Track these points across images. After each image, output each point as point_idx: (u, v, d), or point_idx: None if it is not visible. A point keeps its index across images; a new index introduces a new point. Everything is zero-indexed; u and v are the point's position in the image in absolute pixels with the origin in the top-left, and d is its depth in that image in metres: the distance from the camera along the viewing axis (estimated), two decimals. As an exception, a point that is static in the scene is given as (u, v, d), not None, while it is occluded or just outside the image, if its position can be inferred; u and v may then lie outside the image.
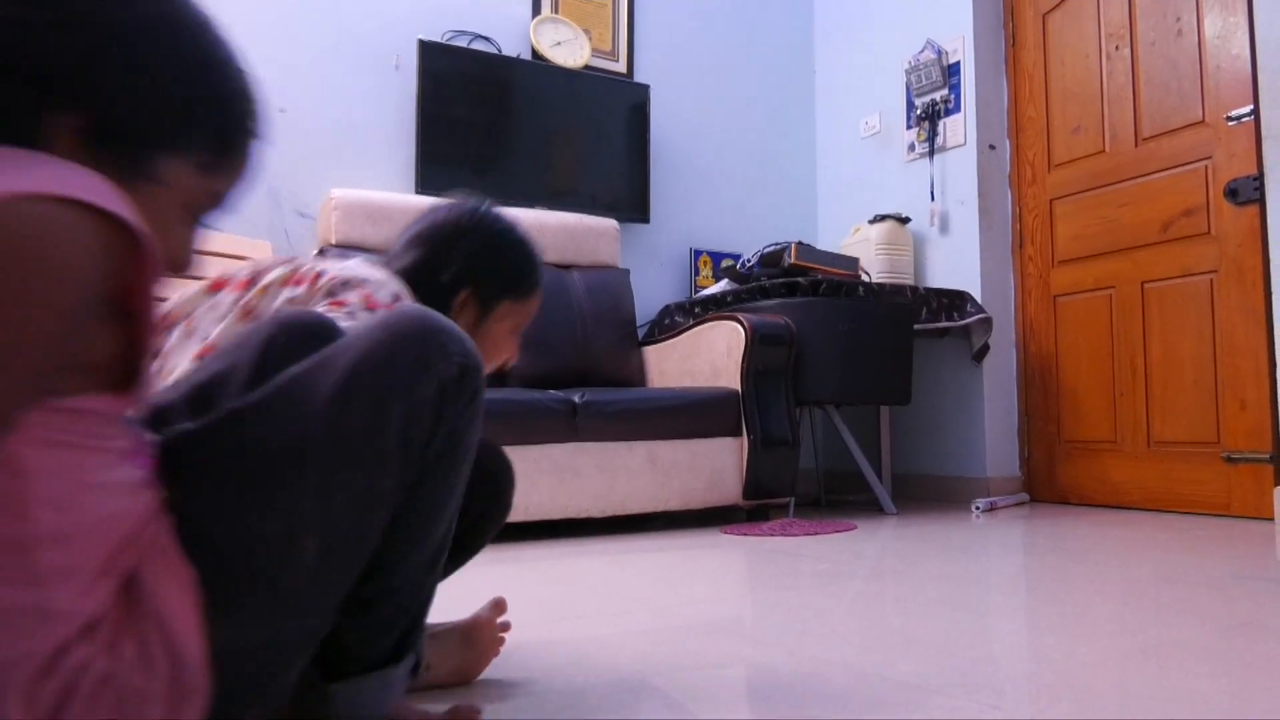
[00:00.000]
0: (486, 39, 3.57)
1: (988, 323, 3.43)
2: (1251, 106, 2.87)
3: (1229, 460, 2.90)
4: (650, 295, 3.85)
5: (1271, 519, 2.78)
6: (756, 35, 4.32)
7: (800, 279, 3.13)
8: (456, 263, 1.20)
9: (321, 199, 3.18)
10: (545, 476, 2.60)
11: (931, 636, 1.38)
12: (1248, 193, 2.86)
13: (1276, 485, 2.73)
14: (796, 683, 1.14)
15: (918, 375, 3.67)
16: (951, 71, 3.72)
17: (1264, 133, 2.75)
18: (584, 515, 2.66)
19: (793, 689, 1.12)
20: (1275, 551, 2.21)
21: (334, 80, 3.29)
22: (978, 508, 3.19)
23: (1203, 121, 3.02)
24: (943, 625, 1.46)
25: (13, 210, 0.50)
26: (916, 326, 3.32)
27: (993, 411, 3.54)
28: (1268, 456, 2.81)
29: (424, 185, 3.29)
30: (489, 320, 1.24)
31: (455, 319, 1.20)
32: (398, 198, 3.14)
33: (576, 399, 2.68)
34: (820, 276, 3.18)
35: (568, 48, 3.70)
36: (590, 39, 3.78)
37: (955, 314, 3.41)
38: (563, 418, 2.63)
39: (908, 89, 3.90)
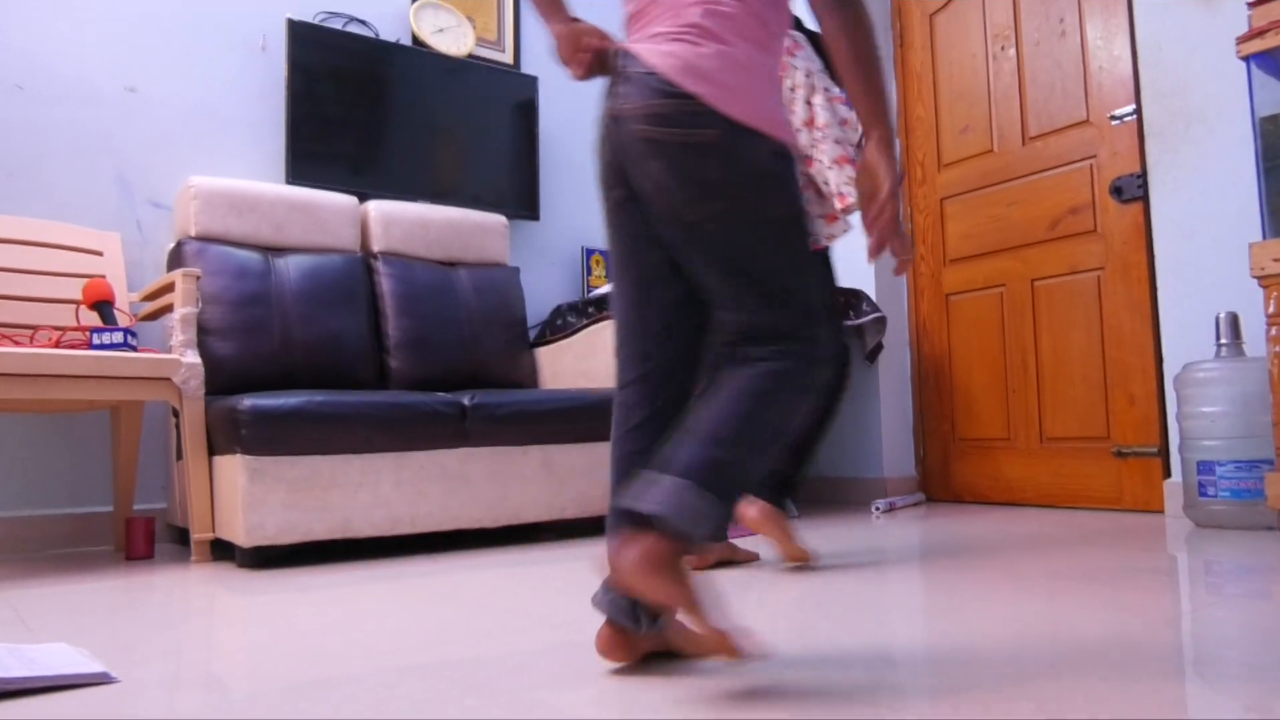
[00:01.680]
0: (363, 22, 3.36)
1: (881, 322, 3.41)
2: (1133, 106, 2.93)
3: (1119, 455, 2.94)
4: (541, 295, 3.69)
5: (1161, 511, 2.83)
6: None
7: (697, 276, 3.03)
8: None
9: (179, 187, 2.91)
10: (434, 485, 2.42)
11: (844, 639, 1.28)
12: (1131, 190, 2.92)
13: (1166, 478, 2.78)
14: (716, 693, 1.01)
15: (814, 375, 3.62)
16: (843, 70, 3.69)
17: (1146, 130, 2.80)
18: (476, 526, 2.48)
19: (712, 701, 0.98)
20: (1165, 544, 2.21)
21: (192, 60, 3.02)
22: (877, 508, 3.15)
23: (1087, 121, 3.07)
24: (855, 627, 1.36)
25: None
26: (814, 325, 3.27)
27: (888, 411, 3.53)
28: (1155, 450, 2.86)
29: (295, 175, 3.05)
30: None
31: None
32: (266, 187, 2.90)
33: (466, 401, 2.50)
34: (717, 274, 3.09)
35: (450, 35, 3.52)
36: (475, 27, 3.61)
37: (850, 313, 3.38)
38: (451, 421, 2.45)
39: (800, 87, 3.86)
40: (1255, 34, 2.30)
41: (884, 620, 1.43)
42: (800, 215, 1.19)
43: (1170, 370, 2.73)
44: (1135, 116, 2.92)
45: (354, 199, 3.06)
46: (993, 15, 3.39)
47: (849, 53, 1.20)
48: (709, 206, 1.14)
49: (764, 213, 1.15)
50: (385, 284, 2.99)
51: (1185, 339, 2.70)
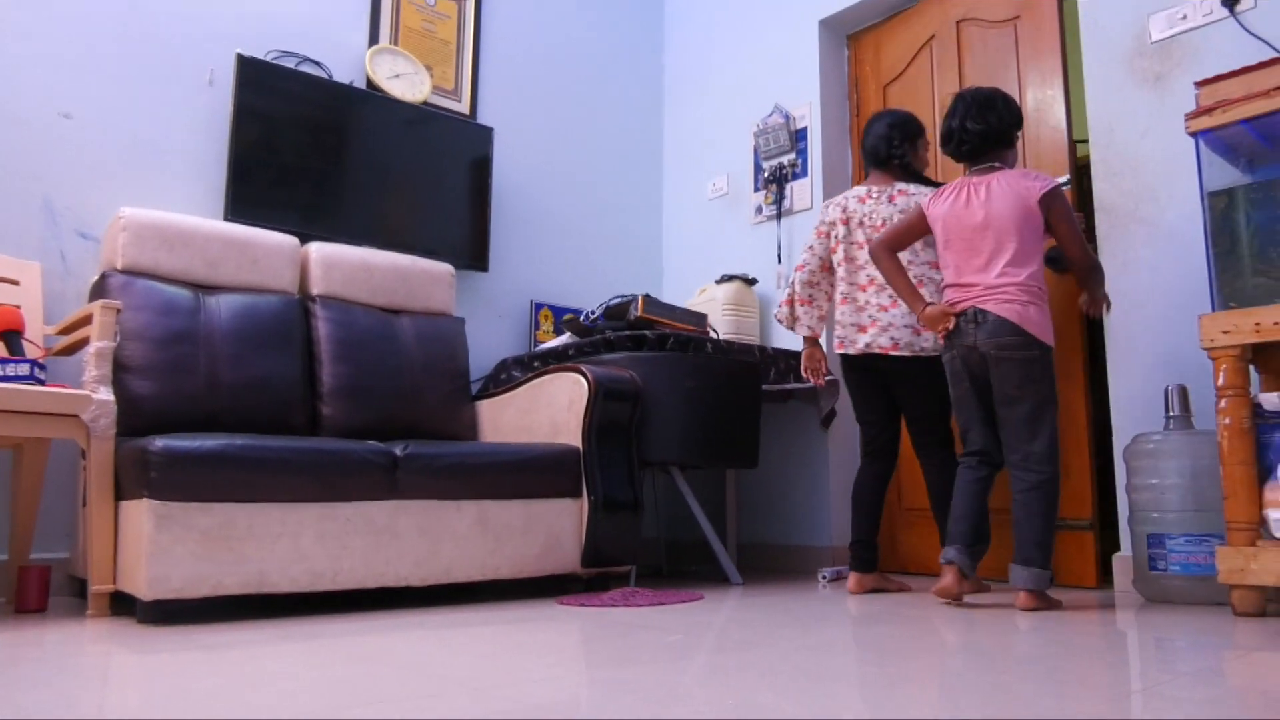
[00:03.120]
0: (316, 63, 3.29)
1: (834, 386, 3.35)
2: (1068, 176, 2.97)
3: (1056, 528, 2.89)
4: (487, 348, 3.59)
5: (1094, 587, 2.78)
6: (606, 88, 4.23)
7: (647, 333, 2.97)
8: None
9: (109, 219, 2.78)
10: (359, 539, 2.27)
11: (796, 712, 1.17)
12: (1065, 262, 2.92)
13: (1115, 553, 2.73)
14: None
15: (763, 439, 3.56)
16: (799, 136, 3.71)
17: (1097, 206, 2.82)
18: (403, 584, 2.33)
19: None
20: (1114, 619, 2.14)
21: (134, 88, 2.92)
22: (824, 577, 3.06)
23: (1037, 193, 3.09)
24: (806, 699, 1.25)
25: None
26: (764, 387, 3.21)
27: (837, 479, 3.45)
28: (1087, 524, 2.82)
29: (235, 213, 2.94)
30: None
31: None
32: (201, 222, 2.78)
33: (398, 451, 2.38)
34: (667, 331, 3.04)
35: (407, 81, 3.46)
36: (431, 75, 3.57)
37: (799, 377, 3.33)
38: (381, 471, 2.32)
39: (755, 152, 3.87)
40: (1203, 112, 2.33)
41: (827, 692, 1.33)
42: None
43: (1119, 442, 2.70)
44: (1070, 186, 2.96)
45: (294, 239, 2.95)
46: (941, 86, 3.44)
47: (1080, 270, 2.49)
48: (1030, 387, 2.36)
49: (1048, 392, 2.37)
50: (322, 328, 2.87)
51: (1134, 410, 2.68)
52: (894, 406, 2.83)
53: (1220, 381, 2.17)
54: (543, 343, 3.68)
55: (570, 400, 2.75)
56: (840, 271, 2.85)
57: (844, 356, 2.83)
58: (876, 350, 2.73)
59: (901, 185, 2.83)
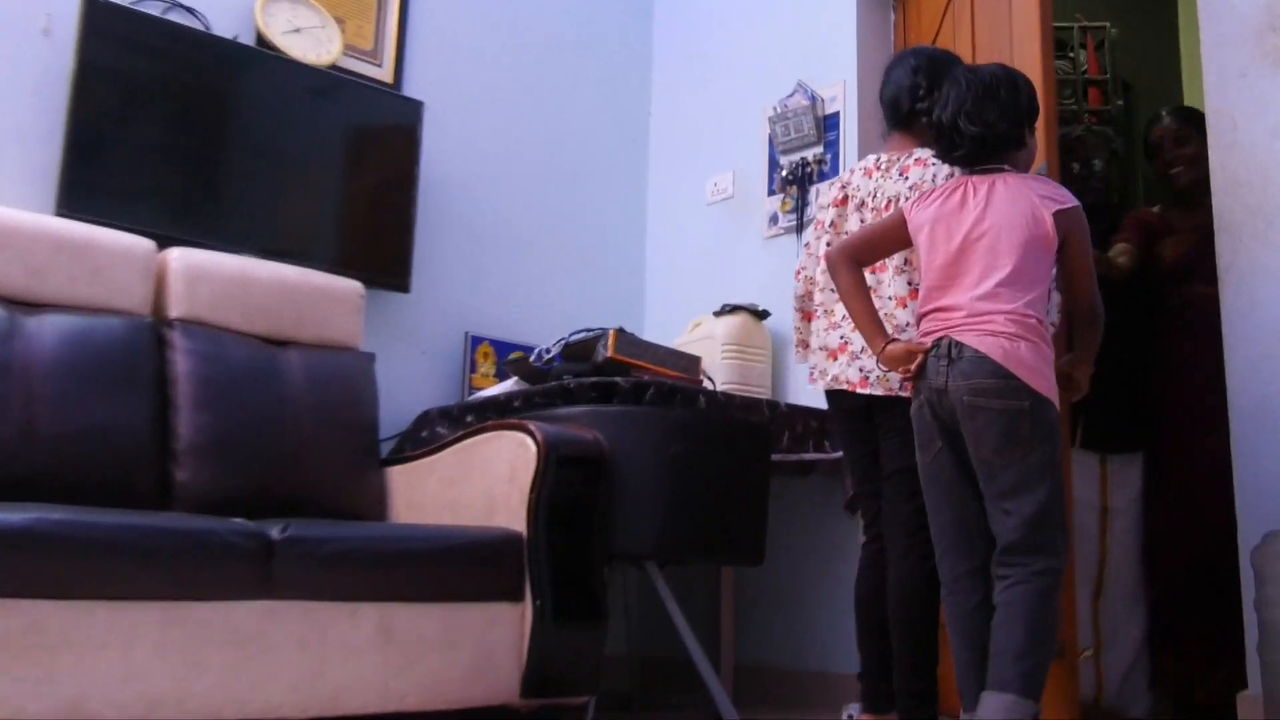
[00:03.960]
0: (190, 10, 3.31)
1: (869, 457, 3.35)
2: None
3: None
4: (404, 395, 3.56)
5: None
6: (577, 58, 4.27)
7: (619, 380, 2.97)
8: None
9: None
10: (217, 652, 2.23)
11: None
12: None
13: (1241, 691, 2.72)
14: None
15: (772, 526, 3.53)
16: (829, 124, 3.75)
17: (1217, 224, 2.86)
18: (274, 715, 2.29)
19: None
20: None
21: (-59, 37, 2.92)
22: (850, 716, 3.03)
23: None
24: None
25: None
26: (774, 457, 3.20)
27: (870, 581, 3.44)
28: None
29: (70, 205, 2.94)
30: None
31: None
32: (24, 217, 2.79)
33: (275, 533, 2.35)
34: (647, 378, 3.04)
35: (310, 38, 3.49)
36: (344, 31, 3.60)
37: (826, 443, 3.33)
38: (250, 560, 2.29)
39: (770, 143, 3.90)
40: None
41: None
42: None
43: (1246, 541, 2.69)
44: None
45: (149, 243, 2.94)
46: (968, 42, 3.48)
47: (1084, 315, 2.50)
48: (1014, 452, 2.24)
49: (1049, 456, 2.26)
50: (181, 362, 2.85)
51: (1265, 500, 2.68)
52: None
53: (1379, 467, 2.17)
54: (480, 389, 3.67)
55: (512, 469, 2.74)
56: (819, 275, 2.80)
57: (826, 394, 2.79)
58: (844, 386, 2.66)
59: (921, 153, 2.70)
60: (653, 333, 4.18)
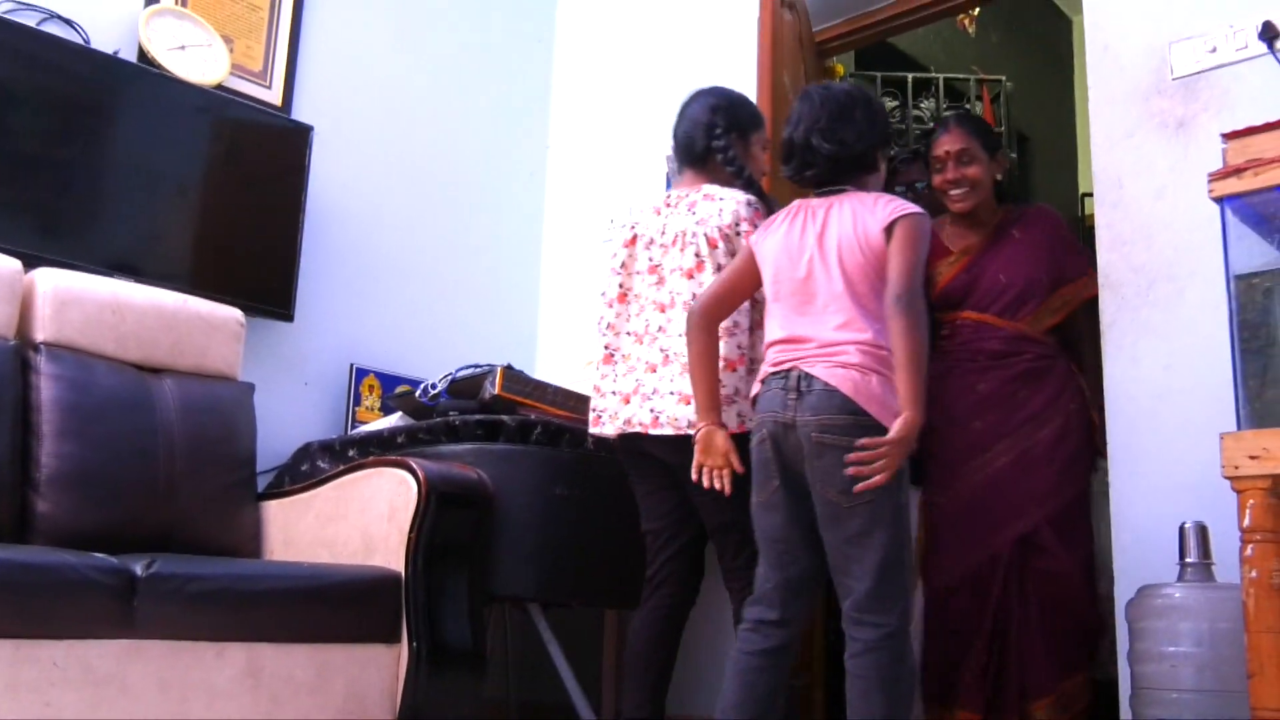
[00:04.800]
0: (69, 22, 3.25)
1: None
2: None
3: None
4: (285, 427, 3.51)
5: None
6: (474, 83, 4.28)
7: (505, 418, 2.99)
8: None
9: None
10: (71, 694, 2.17)
11: None
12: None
13: (1113, 740, 2.78)
14: None
15: (660, 570, 3.55)
16: (726, 165, 3.79)
17: (1102, 282, 2.95)
18: (130, 764, 2.24)
19: None
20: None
21: None
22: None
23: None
24: None
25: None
26: (663, 499, 3.22)
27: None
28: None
29: (-69, 220, 2.86)
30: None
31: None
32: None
33: (138, 569, 2.31)
34: (534, 417, 3.06)
35: (195, 56, 3.44)
36: (231, 51, 3.56)
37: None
38: (110, 597, 2.25)
39: (668, 181, 3.91)
40: (1230, 172, 2.37)
41: None
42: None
43: (1121, 593, 2.76)
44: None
45: (15, 262, 2.86)
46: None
47: (903, 352, 2.17)
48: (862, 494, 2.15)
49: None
50: (46, 388, 2.77)
51: (1140, 552, 2.75)
52: (688, 509, 2.73)
53: (1246, 522, 2.23)
54: (364, 423, 3.65)
55: (391, 507, 2.72)
56: (609, 315, 2.80)
57: (611, 439, 2.78)
58: (637, 428, 2.67)
59: (709, 189, 2.72)
60: (546, 370, 4.19)
